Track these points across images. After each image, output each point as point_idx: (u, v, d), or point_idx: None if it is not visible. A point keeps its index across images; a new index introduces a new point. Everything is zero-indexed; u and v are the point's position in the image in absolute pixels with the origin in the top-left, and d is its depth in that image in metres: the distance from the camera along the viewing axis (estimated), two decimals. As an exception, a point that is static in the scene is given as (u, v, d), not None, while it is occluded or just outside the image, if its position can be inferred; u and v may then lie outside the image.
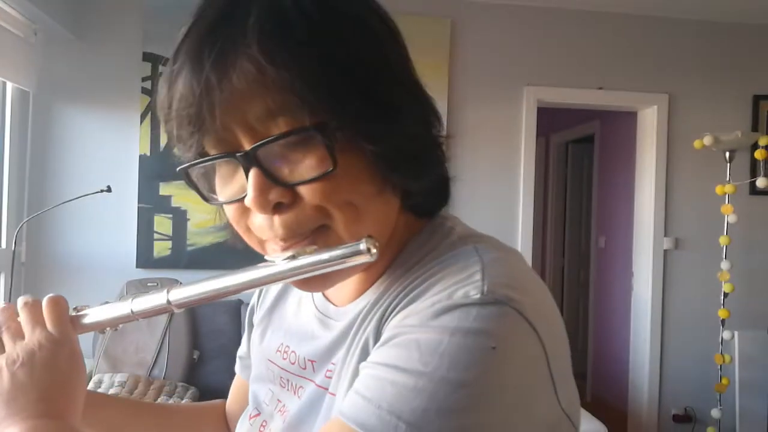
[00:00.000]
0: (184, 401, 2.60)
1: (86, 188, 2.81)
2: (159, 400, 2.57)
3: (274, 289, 0.80)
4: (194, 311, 2.99)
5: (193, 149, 0.54)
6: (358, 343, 0.59)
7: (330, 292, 0.68)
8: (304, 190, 0.53)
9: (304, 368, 0.66)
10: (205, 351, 2.94)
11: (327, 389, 0.61)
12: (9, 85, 2.94)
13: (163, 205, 3.19)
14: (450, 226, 0.64)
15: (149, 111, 3.19)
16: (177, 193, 3.19)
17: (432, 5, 3.41)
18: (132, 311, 0.62)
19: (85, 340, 3.00)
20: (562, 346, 0.55)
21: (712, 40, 3.75)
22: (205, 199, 0.59)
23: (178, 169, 0.57)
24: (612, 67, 3.66)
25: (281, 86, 0.50)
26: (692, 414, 3.70)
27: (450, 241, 0.61)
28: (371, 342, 0.57)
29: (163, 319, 2.88)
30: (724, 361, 3.41)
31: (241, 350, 0.87)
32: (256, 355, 0.78)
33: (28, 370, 0.58)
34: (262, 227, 0.56)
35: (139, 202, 3.17)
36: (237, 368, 0.89)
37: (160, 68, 0.59)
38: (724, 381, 3.41)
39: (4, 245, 2.92)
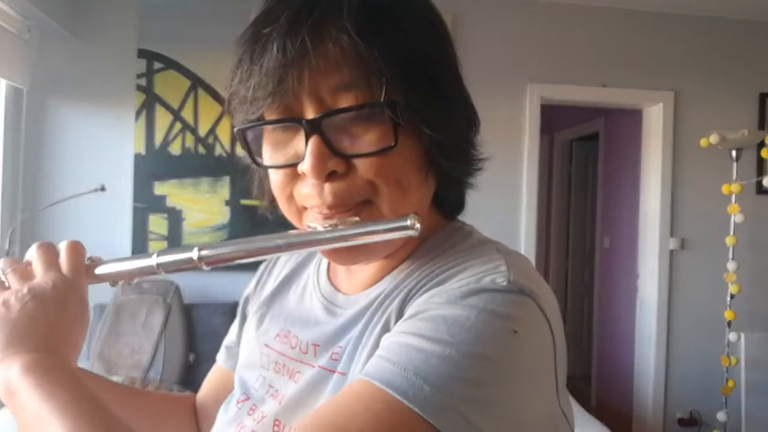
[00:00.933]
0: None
1: (80, 187, 2.79)
2: (153, 403, 2.53)
3: (274, 278, 0.82)
4: (190, 313, 2.96)
5: (257, 112, 0.58)
6: (378, 323, 0.61)
7: (340, 281, 0.71)
8: (359, 163, 0.57)
9: (305, 352, 0.67)
10: (201, 353, 2.91)
11: (334, 371, 0.62)
12: (2, 83, 2.92)
13: (158, 204, 3.15)
14: (469, 231, 0.69)
15: (144, 108, 3.15)
16: (172, 192, 3.15)
17: (434, 0, 3.36)
18: (157, 264, 0.63)
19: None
20: (565, 352, 0.59)
21: (719, 37, 3.71)
22: (256, 163, 0.62)
23: (237, 128, 0.60)
24: (617, 64, 3.62)
25: (365, 62, 0.54)
26: (698, 418, 3.66)
27: (470, 242, 0.65)
28: (393, 320, 0.59)
29: (159, 321, 2.86)
30: (730, 364, 3.37)
31: (230, 340, 0.88)
32: (249, 342, 0.78)
33: (37, 304, 0.59)
34: (310, 195, 0.58)
35: (133, 202, 3.13)
36: (221, 358, 0.90)
37: (239, 37, 0.60)
38: (730, 383, 3.37)
39: (-3, 245, 2.88)
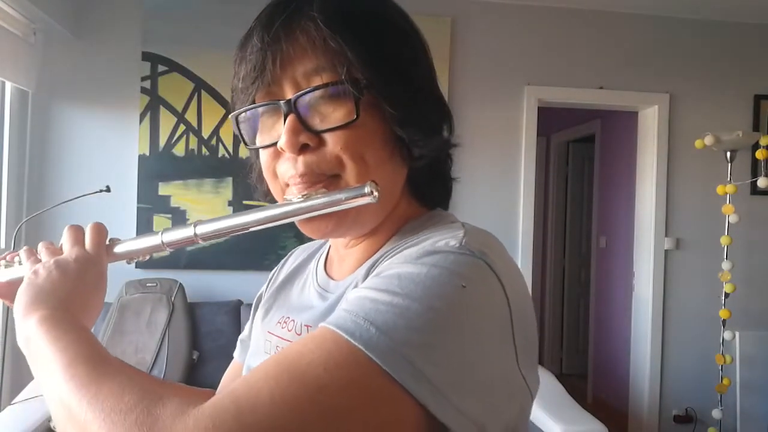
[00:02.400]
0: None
1: (85, 188, 2.81)
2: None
3: (283, 275, 0.88)
4: (193, 312, 2.98)
5: (249, 100, 0.66)
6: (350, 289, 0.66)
7: (333, 270, 0.78)
8: (328, 138, 0.63)
9: (300, 334, 0.73)
10: (205, 351, 2.93)
11: None
12: (8, 85, 2.93)
13: (163, 205, 3.18)
14: (446, 215, 0.74)
15: (148, 111, 3.18)
16: (176, 193, 3.18)
17: (432, 4, 3.41)
18: (162, 242, 0.71)
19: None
20: (526, 316, 0.61)
21: (714, 40, 3.75)
22: (246, 144, 0.71)
23: (230, 115, 0.69)
24: (613, 67, 3.65)
25: (331, 48, 0.62)
26: (693, 414, 3.69)
27: (443, 224, 0.69)
28: (360, 284, 0.65)
29: (163, 319, 2.88)
30: (725, 362, 3.41)
31: (244, 334, 0.94)
32: (257, 332, 0.85)
33: (61, 273, 0.68)
34: (287, 168, 0.65)
35: (138, 203, 3.17)
36: (236, 351, 0.94)
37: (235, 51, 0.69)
38: (725, 381, 3.40)
39: (3, 245, 2.91)
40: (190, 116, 3.20)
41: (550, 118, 4.33)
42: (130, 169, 3.16)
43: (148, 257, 0.76)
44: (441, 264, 0.56)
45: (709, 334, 3.58)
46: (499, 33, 3.55)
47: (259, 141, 0.69)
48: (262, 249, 3.07)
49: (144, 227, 3.17)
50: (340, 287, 0.72)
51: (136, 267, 3.14)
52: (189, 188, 3.19)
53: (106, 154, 3.17)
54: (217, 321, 2.98)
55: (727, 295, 3.40)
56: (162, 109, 3.18)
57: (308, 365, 0.50)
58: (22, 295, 0.66)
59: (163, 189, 3.18)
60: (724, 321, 3.42)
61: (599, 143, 4.85)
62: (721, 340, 3.43)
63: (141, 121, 3.17)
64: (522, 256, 3.52)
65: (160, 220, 3.18)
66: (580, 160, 5.58)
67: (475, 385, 0.54)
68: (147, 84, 3.17)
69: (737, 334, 3.45)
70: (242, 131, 0.70)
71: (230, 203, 3.21)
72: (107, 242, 0.75)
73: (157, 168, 3.18)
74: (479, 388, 0.55)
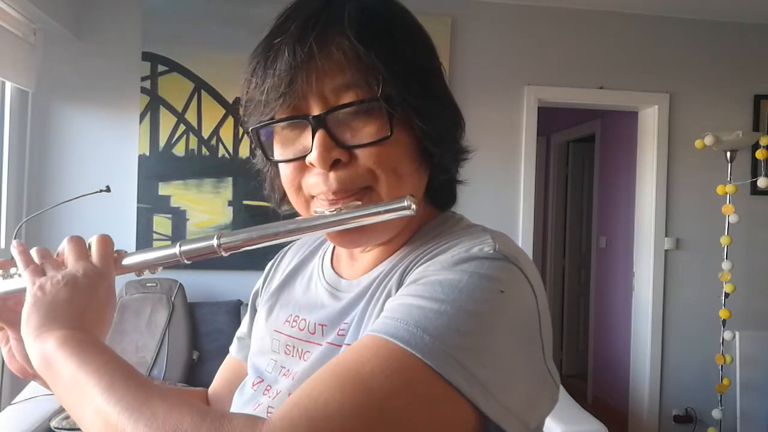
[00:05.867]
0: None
1: (85, 188, 2.81)
2: (158, 400, 2.56)
3: (282, 272, 0.88)
4: (193, 312, 2.99)
5: (269, 114, 0.65)
6: (380, 296, 0.67)
7: (342, 268, 0.78)
8: (360, 153, 0.64)
9: (314, 333, 0.73)
10: (205, 351, 2.94)
11: (341, 345, 0.68)
12: (8, 85, 2.93)
13: (163, 205, 3.18)
14: (459, 218, 0.77)
15: (148, 111, 3.18)
16: (176, 193, 3.19)
17: (432, 4, 3.41)
18: (180, 252, 0.68)
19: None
20: (548, 314, 0.65)
21: (714, 40, 3.75)
22: (267, 158, 0.70)
23: (252, 128, 0.67)
24: (613, 67, 3.65)
25: (365, 63, 0.62)
26: (693, 414, 3.69)
27: (461, 225, 0.73)
28: (394, 290, 0.66)
29: (163, 319, 2.88)
30: (725, 362, 3.41)
31: (241, 331, 0.94)
32: (260, 331, 0.84)
33: (70, 290, 0.65)
34: (316, 183, 0.65)
35: (138, 202, 3.17)
36: (233, 349, 0.94)
37: (253, 50, 0.68)
38: (725, 381, 3.41)
39: (3, 245, 2.91)
40: (190, 116, 3.20)
41: (550, 118, 4.33)
42: (130, 169, 3.16)
43: (156, 271, 0.73)
44: (480, 271, 0.59)
45: (709, 334, 3.58)
46: (499, 33, 3.55)
47: (280, 154, 0.68)
48: (262, 249, 3.04)
49: (144, 227, 3.17)
50: (354, 287, 0.73)
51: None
52: (189, 188, 3.19)
53: (106, 154, 3.17)
54: (217, 321, 2.98)
55: (727, 295, 3.40)
56: (162, 109, 3.18)
57: (370, 374, 0.52)
58: (31, 315, 0.64)
59: (163, 189, 3.18)
60: (724, 321, 3.42)
61: (599, 143, 4.85)
62: (721, 340, 3.43)
63: (141, 121, 3.18)
64: (522, 256, 3.51)
65: (160, 220, 3.18)
66: (580, 160, 5.58)
67: (517, 383, 0.58)
68: (147, 84, 3.17)
69: (737, 334, 3.45)
70: (264, 144, 0.69)
71: (230, 203, 3.21)
72: (114, 254, 0.72)
73: (157, 168, 3.18)
74: (520, 385, 0.59)
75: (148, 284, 2.99)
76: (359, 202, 0.64)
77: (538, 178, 3.72)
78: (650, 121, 3.77)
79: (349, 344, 0.67)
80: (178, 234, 3.18)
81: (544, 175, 5.62)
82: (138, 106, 3.18)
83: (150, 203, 3.18)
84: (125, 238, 3.15)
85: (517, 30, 3.57)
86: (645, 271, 3.80)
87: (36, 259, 0.70)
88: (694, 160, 3.67)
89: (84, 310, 0.65)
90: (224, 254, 0.68)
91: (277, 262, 0.93)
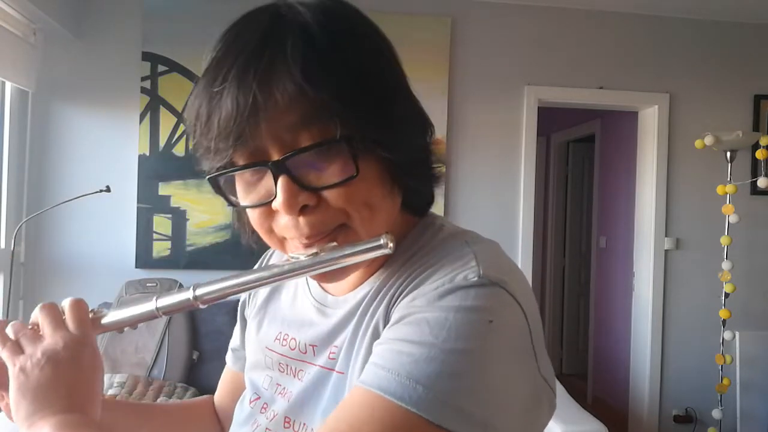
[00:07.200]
0: (183, 402, 2.59)
1: (85, 188, 2.81)
2: (158, 400, 2.56)
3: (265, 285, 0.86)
4: (193, 312, 2.98)
5: (224, 159, 0.61)
6: (368, 327, 0.65)
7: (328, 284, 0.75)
8: (328, 194, 0.60)
9: (305, 353, 0.72)
10: (205, 351, 2.93)
11: (333, 369, 0.68)
12: (8, 85, 2.93)
13: (163, 205, 3.18)
14: (440, 224, 0.72)
15: (148, 111, 3.18)
16: (176, 193, 3.18)
17: (432, 4, 3.41)
18: (157, 308, 0.66)
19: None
20: (538, 322, 0.63)
21: (714, 40, 3.75)
22: (232, 204, 0.65)
23: (208, 176, 0.63)
24: (613, 67, 3.65)
25: (315, 104, 0.57)
26: (693, 414, 3.69)
27: (441, 237, 0.69)
28: (381, 325, 0.64)
29: (163, 320, 2.88)
30: (725, 362, 3.41)
31: (234, 343, 0.93)
32: (252, 345, 0.83)
33: (53, 367, 0.61)
34: (287, 227, 0.62)
35: (138, 202, 3.16)
36: (229, 360, 0.94)
37: (193, 88, 0.64)
38: (725, 381, 3.41)
39: (3, 245, 2.91)
40: (190, 116, 3.19)
41: (550, 118, 4.33)
42: (130, 169, 3.16)
43: (136, 327, 0.71)
44: (465, 303, 0.57)
45: (709, 334, 3.58)
46: (499, 33, 3.55)
47: (244, 198, 0.64)
48: (262, 249, 3.04)
49: (144, 227, 3.17)
50: (341, 304, 0.71)
51: (136, 267, 3.15)
52: (189, 188, 3.19)
53: (106, 154, 3.17)
54: (217, 321, 2.98)
55: (727, 295, 3.40)
56: (162, 109, 3.18)
57: None
58: (19, 403, 0.61)
59: (163, 189, 3.18)
60: (724, 321, 3.42)
61: (599, 143, 4.85)
62: (721, 340, 3.44)
63: (141, 121, 3.17)
64: (522, 256, 3.52)
65: (160, 220, 3.17)
66: (580, 160, 5.59)
67: (514, 406, 0.58)
68: (147, 84, 3.17)
69: (737, 334, 3.45)
70: (224, 189, 0.64)
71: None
72: (90, 316, 0.68)
73: (157, 168, 3.18)
74: (517, 408, 0.59)
75: (148, 284, 2.99)
76: (335, 243, 0.62)
77: (538, 178, 3.72)
78: (650, 121, 3.77)
79: (340, 372, 0.66)
80: (179, 234, 3.18)
81: (544, 175, 5.63)
82: (138, 106, 3.18)
83: (150, 203, 3.17)
84: (125, 238, 3.15)
85: (517, 30, 3.57)
86: (645, 271, 3.80)
87: (11, 335, 0.65)
88: (694, 160, 3.68)
89: (72, 388, 0.62)
90: (202, 306, 0.65)
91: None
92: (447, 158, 3.42)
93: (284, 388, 0.74)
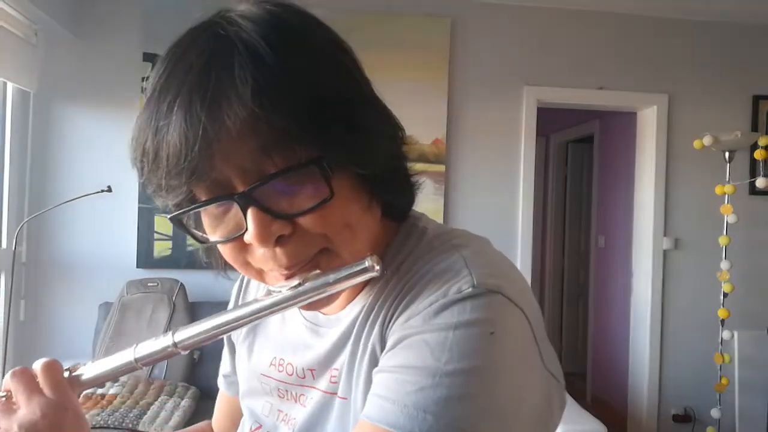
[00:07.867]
0: (184, 401, 2.60)
1: (87, 188, 2.81)
2: (159, 399, 2.57)
3: (252, 298, 0.82)
4: (195, 311, 2.99)
5: (181, 195, 0.55)
6: (365, 351, 0.62)
7: None
8: (303, 220, 0.55)
9: (303, 377, 0.69)
10: (206, 351, 2.94)
11: (335, 394, 0.65)
12: (9, 86, 2.94)
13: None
14: (423, 227, 0.67)
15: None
16: (177, 193, 3.18)
17: (432, 5, 3.41)
18: (135, 359, 0.61)
19: (85, 341, 3.01)
20: (538, 314, 0.61)
21: (712, 41, 3.76)
22: (201, 241, 0.59)
23: (169, 217, 0.58)
24: (612, 67, 3.66)
25: (273, 127, 0.51)
26: (692, 414, 3.70)
27: (426, 240, 0.65)
28: (378, 349, 0.61)
29: (164, 319, 2.89)
30: (723, 361, 3.41)
31: (225, 369, 0.89)
32: (245, 372, 0.79)
33: None
34: (264, 259, 0.57)
35: (139, 202, 3.17)
36: (222, 385, 0.91)
37: (137, 118, 0.58)
38: (723, 381, 3.42)
39: (4, 245, 2.92)
40: (191, 116, 3.20)
41: (549, 119, 4.34)
42: (131, 169, 3.15)
43: (118, 380, 0.67)
44: (463, 318, 0.54)
45: (708, 333, 3.59)
46: (499, 33, 3.56)
47: (211, 232, 0.58)
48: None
49: (145, 227, 3.17)
50: (335, 322, 0.67)
51: (138, 267, 3.16)
52: (183, 232, 3.18)
53: (107, 153, 3.17)
54: (217, 320, 2.98)
55: (725, 294, 3.41)
56: (163, 109, 3.18)
57: None
58: None
59: (164, 189, 3.18)
60: (722, 321, 3.43)
61: (598, 143, 4.86)
62: (720, 340, 3.44)
63: (142, 121, 3.18)
64: (521, 256, 3.53)
65: (161, 220, 3.18)
66: (579, 161, 5.60)
67: (527, 416, 0.57)
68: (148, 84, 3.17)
69: (736, 333, 3.45)
70: (187, 225, 0.59)
71: (231, 203, 3.21)
72: (67, 375, 0.63)
73: (158, 168, 3.17)
74: (530, 417, 0.57)
75: (149, 284, 3.00)
76: (318, 270, 0.57)
77: (537, 179, 3.73)
78: (649, 122, 3.77)
79: (343, 397, 0.64)
80: (179, 233, 3.19)
81: (543, 176, 5.63)
82: (139, 106, 3.15)
83: (151, 203, 3.12)
84: (126, 238, 3.16)
85: (517, 30, 3.58)
86: (644, 270, 3.81)
87: None
88: (693, 160, 3.68)
89: None
90: (183, 353, 0.61)
91: (244, 286, 0.85)
92: (446, 158, 3.44)
93: (287, 415, 0.71)
